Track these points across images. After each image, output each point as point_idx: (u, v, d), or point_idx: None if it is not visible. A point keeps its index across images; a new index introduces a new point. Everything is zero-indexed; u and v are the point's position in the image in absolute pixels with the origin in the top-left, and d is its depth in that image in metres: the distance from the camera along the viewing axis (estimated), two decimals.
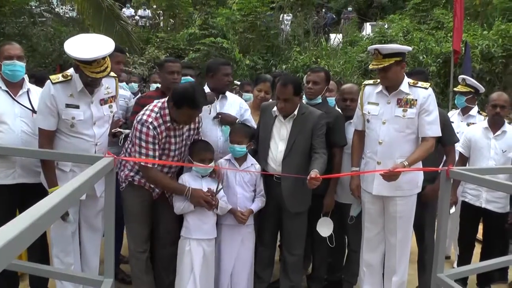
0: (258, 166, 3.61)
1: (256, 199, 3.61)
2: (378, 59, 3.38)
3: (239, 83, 7.36)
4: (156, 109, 3.28)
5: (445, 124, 3.84)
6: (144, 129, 3.18)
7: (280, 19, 17.11)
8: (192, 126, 3.47)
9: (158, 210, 3.53)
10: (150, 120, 3.20)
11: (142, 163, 3.22)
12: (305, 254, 4.24)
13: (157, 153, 3.24)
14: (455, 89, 5.23)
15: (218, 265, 3.55)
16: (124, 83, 4.52)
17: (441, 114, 3.89)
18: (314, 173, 3.20)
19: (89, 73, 3.01)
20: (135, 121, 3.27)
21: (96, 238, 3.54)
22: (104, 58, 3.03)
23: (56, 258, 3.39)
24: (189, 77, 4.46)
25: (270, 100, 4.23)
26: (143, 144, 3.19)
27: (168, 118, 3.25)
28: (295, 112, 3.57)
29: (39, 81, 4.68)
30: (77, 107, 3.18)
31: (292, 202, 3.58)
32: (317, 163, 3.37)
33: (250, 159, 3.61)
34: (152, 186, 3.43)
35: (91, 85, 3.19)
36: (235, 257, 3.54)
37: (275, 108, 3.63)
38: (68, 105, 3.15)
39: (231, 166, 3.55)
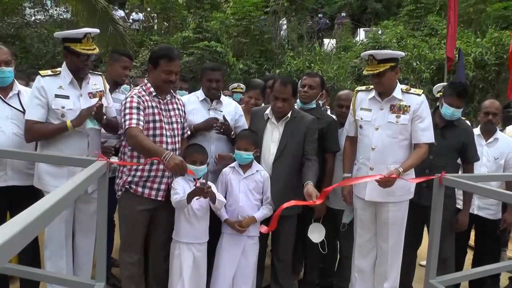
0: (264, 172, 3.53)
1: (262, 207, 3.54)
2: (372, 64, 3.39)
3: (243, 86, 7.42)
4: (137, 88, 3.37)
5: (470, 141, 3.84)
6: (128, 99, 3.20)
7: (280, 22, 17.13)
8: (178, 106, 3.46)
9: (156, 222, 3.41)
10: (134, 92, 3.27)
11: (126, 126, 3.10)
12: (297, 259, 4.25)
13: (141, 119, 3.15)
14: (438, 95, 5.29)
15: (216, 273, 3.50)
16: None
17: (468, 131, 3.90)
18: (311, 187, 3.17)
19: (80, 50, 3.21)
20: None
21: (90, 242, 3.48)
22: (92, 40, 3.30)
23: (48, 261, 3.37)
24: (184, 91, 4.45)
25: (263, 105, 4.24)
26: (127, 111, 3.14)
27: (152, 89, 3.30)
28: (288, 115, 3.59)
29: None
30: (66, 97, 3.26)
31: (282, 204, 3.54)
32: (311, 174, 3.37)
33: (256, 166, 3.53)
34: (154, 187, 3.31)
35: (82, 69, 3.30)
36: (235, 268, 3.47)
37: (267, 111, 3.64)
38: (57, 95, 3.25)
39: (236, 173, 3.50)
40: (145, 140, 3.10)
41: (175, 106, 3.44)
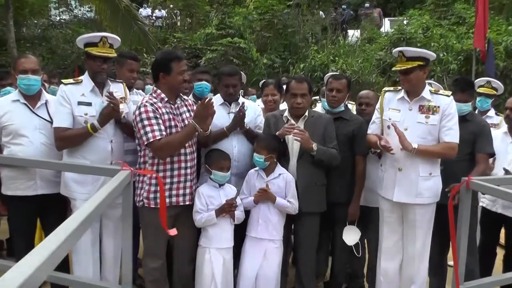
0: (287, 175, 3.53)
1: (285, 200, 3.52)
2: (401, 61, 3.38)
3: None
4: (147, 96, 3.36)
5: (482, 132, 3.75)
6: (142, 109, 3.15)
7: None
8: (188, 108, 3.45)
9: (179, 227, 3.35)
10: (145, 100, 3.23)
11: (150, 139, 3.09)
12: (322, 260, 4.23)
13: (163, 128, 3.14)
14: (479, 90, 5.08)
15: (239, 276, 3.54)
16: (140, 90, 4.49)
17: (479, 122, 3.83)
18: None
19: (96, 52, 3.31)
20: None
21: (117, 246, 3.53)
22: (111, 47, 3.40)
23: (76, 266, 3.44)
24: (204, 82, 4.47)
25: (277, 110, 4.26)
26: (146, 122, 3.11)
27: (163, 95, 3.27)
28: (306, 114, 3.65)
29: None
30: (89, 104, 3.32)
31: (306, 201, 3.57)
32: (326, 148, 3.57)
33: (279, 169, 3.54)
34: (180, 193, 3.33)
35: (99, 73, 3.37)
36: (256, 271, 3.48)
37: (286, 113, 3.70)
38: (80, 103, 3.32)
39: (259, 176, 3.54)
40: (174, 139, 3.18)
41: (185, 108, 3.43)
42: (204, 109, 3.10)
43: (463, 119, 3.72)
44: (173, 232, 3.04)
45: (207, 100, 3.11)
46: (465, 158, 3.69)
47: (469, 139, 3.69)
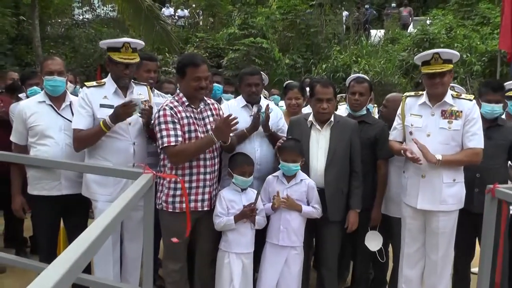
0: (309, 181, 3.46)
1: (310, 206, 3.48)
2: (437, 63, 3.29)
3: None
4: (170, 98, 3.38)
5: None
6: (161, 112, 3.16)
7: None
8: (212, 112, 3.41)
9: (200, 230, 3.41)
10: (166, 103, 3.24)
11: (165, 144, 3.09)
12: (343, 265, 4.20)
13: (179, 134, 3.14)
14: (510, 94, 4.93)
15: (259, 282, 3.50)
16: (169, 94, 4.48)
17: (511, 128, 3.74)
18: (353, 217, 3.52)
19: (118, 58, 3.30)
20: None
21: (138, 248, 3.54)
22: (134, 51, 3.38)
23: (97, 267, 3.46)
24: (216, 84, 4.47)
25: (302, 113, 4.23)
26: (163, 126, 3.12)
27: (184, 99, 3.25)
28: (332, 119, 3.56)
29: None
30: (111, 106, 3.29)
31: (333, 210, 3.53)
32: (356, 196, 3.55)
33: (300, 175, 3.47)
34: (199, 199, 3.30)
35: (121, 77, 3.36)
36: (277, 278, 3.45)
37: (311, 117, 3.61)
38: (102, 105, 3.32)
39: (279, 183, 3.47)
40: (189, 146, 3.16)
41: (209, 113, 3.40)
42: (226, 126, 3.08)
43: (496, 124, 3.68)
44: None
45: (231, 117, 3.08)
46: (503, 164, 3.64)
47: (505, 145, 3.63)
